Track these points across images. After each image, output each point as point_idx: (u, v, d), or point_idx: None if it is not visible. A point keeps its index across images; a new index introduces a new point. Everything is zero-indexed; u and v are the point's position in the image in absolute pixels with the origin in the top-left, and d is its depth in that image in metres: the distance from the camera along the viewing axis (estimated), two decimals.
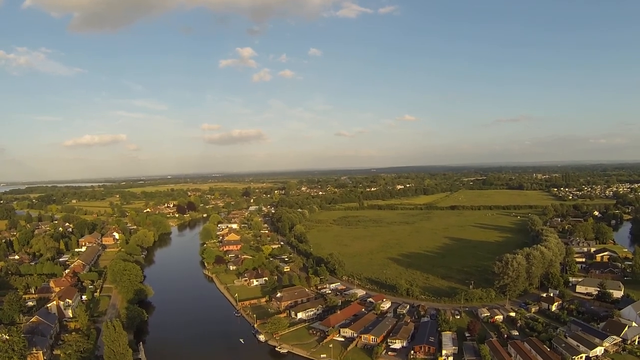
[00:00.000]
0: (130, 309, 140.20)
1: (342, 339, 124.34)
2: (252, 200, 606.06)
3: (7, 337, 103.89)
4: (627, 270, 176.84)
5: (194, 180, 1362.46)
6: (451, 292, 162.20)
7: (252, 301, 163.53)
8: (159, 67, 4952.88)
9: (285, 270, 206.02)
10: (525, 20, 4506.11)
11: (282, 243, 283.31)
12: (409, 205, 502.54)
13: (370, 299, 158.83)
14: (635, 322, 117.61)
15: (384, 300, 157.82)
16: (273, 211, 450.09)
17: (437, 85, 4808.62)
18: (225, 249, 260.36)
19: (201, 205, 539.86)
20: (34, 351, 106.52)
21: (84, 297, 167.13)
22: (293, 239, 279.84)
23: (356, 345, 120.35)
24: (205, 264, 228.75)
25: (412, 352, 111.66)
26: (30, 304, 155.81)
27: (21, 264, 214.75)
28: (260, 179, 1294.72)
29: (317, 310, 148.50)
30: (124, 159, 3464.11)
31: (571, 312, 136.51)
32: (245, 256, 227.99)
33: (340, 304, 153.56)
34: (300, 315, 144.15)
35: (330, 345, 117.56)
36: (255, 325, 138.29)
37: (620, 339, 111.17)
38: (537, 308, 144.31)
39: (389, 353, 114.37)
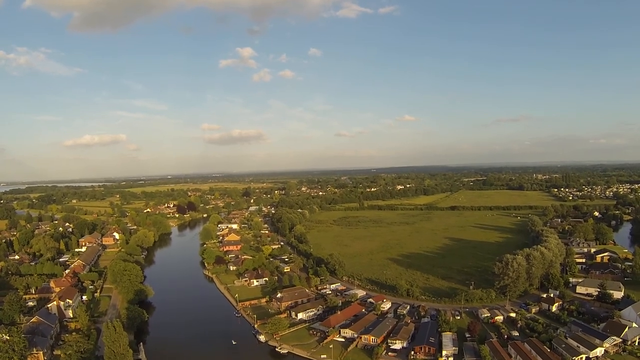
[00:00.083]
0: (130, 309, 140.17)
1: (343, 340, 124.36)
2: (252, 201, 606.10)
3: (8, 338, 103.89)
4: (628, 271, 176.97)
5: (194, 180, 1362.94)
6: (451, 293, 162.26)
7: (253, 301, 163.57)
8: (159, 67, 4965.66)
9: (285, 270, 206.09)
10: (525, 20, 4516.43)
11: (282, 243, 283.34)
12: (409, 206, 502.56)
13: (371, 300, 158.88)
14: (635, 323, 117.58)
15: (384, 300, 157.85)
16: (273, 211, 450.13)
17: (437, 85, 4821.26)
18: (225, 249, 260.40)
19: (201, 205, 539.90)
20: (35, 351, 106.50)
21: (84, 297, 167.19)
22: (293, 240, 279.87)
23: (356, 345, 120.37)
24: (206, 264, 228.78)
25: (412, 352, 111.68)
26: (30, 304, 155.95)
27: (21, 264, 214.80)
28: (261, 179, 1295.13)
29: (318, 310, 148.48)
30: (124, 159, 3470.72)
31: (571, 313, 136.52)
32: (245, 256, 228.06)
33: (340, 304, 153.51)
34: (300, 315, 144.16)
35: (331, 346, 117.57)
36: (256, 326, 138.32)
37: (621, 340, 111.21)
38: (538, 309, 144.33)
39: (389, 354, 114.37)
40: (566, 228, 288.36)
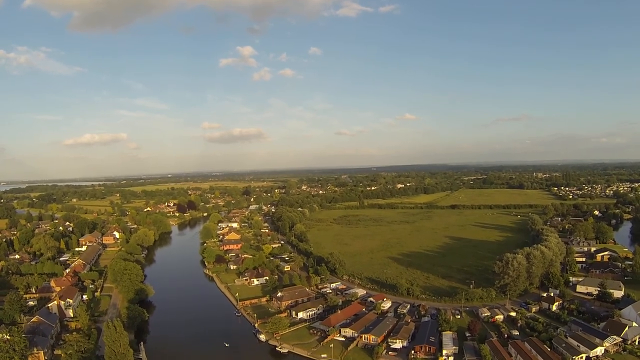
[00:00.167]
0: (131, 308, 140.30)
1: (343, 339, 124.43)
2: (252, 199, 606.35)
3: (8, 337, 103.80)
4: (628, 270, 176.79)
5: (194, 179, 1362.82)
6: (452, 292, 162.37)
7: (253, 301, 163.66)
8: (159, 67, 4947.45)
9: (285, 269, 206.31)
10: (525, 20, 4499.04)
11: (282, 242, 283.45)
12: (410, 204, 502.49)
13: (371, 299, 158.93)
14: (635, 322, 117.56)
15: (385, 299, 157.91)
16: (273, 210, 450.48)
17: (437, 84, 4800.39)
18: (225, 248, 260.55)
19: (201, 204, 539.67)
20: (35, 351, 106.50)
21: (84, 296, 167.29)
22: (293, 238, 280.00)
23: (357, 345, 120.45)
24: (206, 263, 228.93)
25: (412, 352, 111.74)
26: (31, 303, 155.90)
27: (22, 264, 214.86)
28: (261, 178, 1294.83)
29: (318, 309, 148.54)
30: (124, 157, 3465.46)
31: (571, 312, 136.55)
32: (245, 255, 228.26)
33: (340, 303, 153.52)
34: (300, 314, 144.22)
35: (331, 345, 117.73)
36: (256, 325, 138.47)
37: (621, 339, 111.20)
38: (538, 308, 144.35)
39: (390, 353, 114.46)
40: (566, 227, 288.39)
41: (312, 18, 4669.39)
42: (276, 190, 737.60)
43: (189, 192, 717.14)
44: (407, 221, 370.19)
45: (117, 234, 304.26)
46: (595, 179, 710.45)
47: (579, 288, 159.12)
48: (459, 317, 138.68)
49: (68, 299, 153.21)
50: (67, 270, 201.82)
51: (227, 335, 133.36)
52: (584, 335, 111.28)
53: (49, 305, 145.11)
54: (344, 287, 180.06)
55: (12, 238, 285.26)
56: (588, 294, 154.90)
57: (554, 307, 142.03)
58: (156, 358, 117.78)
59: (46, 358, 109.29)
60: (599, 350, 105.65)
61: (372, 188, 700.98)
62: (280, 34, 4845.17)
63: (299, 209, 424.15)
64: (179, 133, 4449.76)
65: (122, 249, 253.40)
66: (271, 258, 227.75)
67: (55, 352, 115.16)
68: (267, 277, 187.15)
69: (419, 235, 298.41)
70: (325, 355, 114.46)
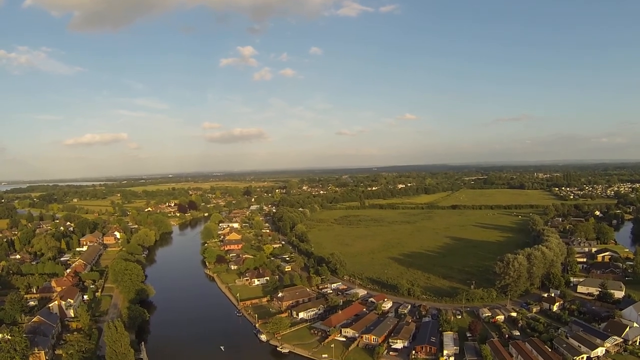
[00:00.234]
0: (131, 308, 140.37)
1: (344, 339, 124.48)
2: (253, 200, 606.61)
3: (9, 337, 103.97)
4: (629, 271, 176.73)
5: (195, 179, 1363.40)
6: (452, 292, 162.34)
7: (254, 301, 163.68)
8: (159, 66, 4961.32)
9: (286, 269, 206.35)
10: (525, 20, 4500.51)
11: (283, 242, 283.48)
12: (410, 205, 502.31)
13: (372, 299, 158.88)
14: (636, 323, 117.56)
15: (386, 300, 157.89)
16: (274, 210, 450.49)
17: (437, 84, 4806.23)
18: (226, 249, 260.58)
19: (202, 204, 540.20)
20: (36, 351, 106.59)
21: (85, 296, 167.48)
22: (294, 239, 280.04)
23: (357, 345, 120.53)
24: (207, 263, 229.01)
25: (413, 352, 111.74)
26: (32, 303, 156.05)
27: (22, 264, 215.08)
28: (262, 178, 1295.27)
29: (319, 310, 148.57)
30: (125, 157, 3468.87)
31: (572, 313, 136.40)
32: (246, 255, 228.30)
33: (341, 303, 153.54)
34: (301, 315, 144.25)
35: (332, 345, 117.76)
36: (257, 325, 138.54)
37: (622, 340, 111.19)
38: (539, 308, 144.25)
39: (391, 353, 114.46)
40: (567, 227, 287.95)
41: (313, 18, 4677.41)
42: (277, 191, 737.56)
43: (190, 192, 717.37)
44: (407, 221, 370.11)
45: (118, 234, 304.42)
46: (596, 179, 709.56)
47: (580, 288, 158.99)
48: (459, 317, 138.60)
49: (69, 299, 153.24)
50: (68, 271, 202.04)
51: (228, 336, 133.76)
52: (584, 336, 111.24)
53: (50, 305, 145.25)
54: (345, 287, 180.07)
55: (13, 238, 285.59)
56: (589, 294, 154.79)
57: (555, 308, 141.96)
58: (157, 358, 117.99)
59: (47, 358, 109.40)
60: (599, 351, 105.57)
61: (373, 188, 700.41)
62: (281, 33, 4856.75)
63: (300, 209, 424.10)
64: (179, 133, 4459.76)
65: (123, 249, 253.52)
66: (272, 258, 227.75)
67: (56, 352, 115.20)
68: (267, 278, 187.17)
69: (419, 236, 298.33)
70: (326, 355, 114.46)
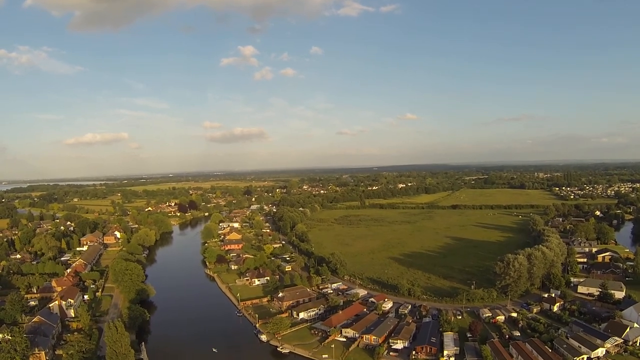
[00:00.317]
0: (132, 308, 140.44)
1: (344, 339, 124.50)
2: (253, 199, 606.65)
3: (10, 337, 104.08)
4: (629, 271, 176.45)
5: (195, 178, 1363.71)
6: (453, 292, 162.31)
7: (254, 301, 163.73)
8: (160, 66, 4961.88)
9: (286, 269, 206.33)
10: (525, 20, 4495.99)
11: (283, 242, 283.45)
12: (411, 204, 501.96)
13: (372, 299, 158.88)
14: (636, 323, 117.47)
15: (386, 300, 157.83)
16: (274, 210, 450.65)
17: (438, 83, 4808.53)
18: (226, 248, 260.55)
19: (203, 204, 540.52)
20: (36, 351, 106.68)
21: (85, 296, 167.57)
22: (294, 238, 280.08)
23: (358, 345, 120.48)
24: (207, 263, 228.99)
25: (413, 352, 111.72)
26: (32, 303, 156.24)
27: (23, 263, 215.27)
28: (262, 178, 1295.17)
29: (319, 310, 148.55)
30: (125, 157, 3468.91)
31: (573, 313, 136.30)
32: (246, 255, 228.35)
33: (342, 304, 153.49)
34: (302, 315, 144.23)
35: (332, 346, 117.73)
36: (257, 325, 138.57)
37: (622, 340, 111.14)
38: (539, 309, 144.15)
39: (391, 353, 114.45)
40: (567, 227, 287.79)
41: (313, 17, 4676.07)
42: (277, 190, 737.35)
43: (190, 192, 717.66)
44: (408, 221, 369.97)
45: (118, 234, 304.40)
46: (596, 179, 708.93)
47: (580, 289, 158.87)
48: (460, 317, 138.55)
49: (69, 299, 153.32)
50: (69, 270, 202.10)
51: (228, 336, 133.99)
52: (585, 336, 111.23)
53: (50, 305, 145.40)
54: (345, 287, 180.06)
55: (13, 238, 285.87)
56: (589, 294, 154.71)
57: (555, 308, 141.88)
58: (157, 358, 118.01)
59: (47, 358, 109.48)
60: (600, 352, 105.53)
61: (374, 188, 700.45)
62: (281, 33, 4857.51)
63: (300, 208, 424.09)
64: (180, 132, 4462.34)
65: (124, 248, 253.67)
66: (272, 258, 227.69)
67: (56, 353, 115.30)
68: (268, 277, 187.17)
69: (420, 236, 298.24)
70: (326, 355, 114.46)
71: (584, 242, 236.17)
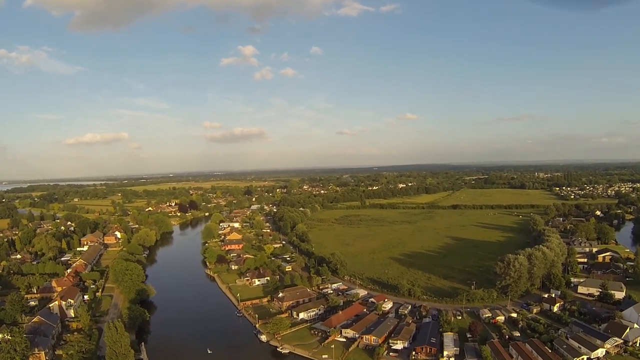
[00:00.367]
0: (132, 309, 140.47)
1: (344, 340, 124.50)
2: (254, 199, 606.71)
3: (10, 338, 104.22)
4: (629, 271, 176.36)
5: (195, 178, 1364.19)
6: (453, 293, 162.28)
7: (254, 301, 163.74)
8: (160, 66, 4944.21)
9: (287, 269, 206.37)
10: (525, 20, 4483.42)
11: (283, 242, 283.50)
12: (411, 204, 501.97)
13: (372, 299, 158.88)
14: (637, 324, 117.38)
15: (386, 300, 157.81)
16: (275, 210, 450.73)
17: (438, 83, 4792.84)
18: (227, 248, 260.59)
19: (203, 204, 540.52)
20: (36, 351, 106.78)
21: (85, 296, 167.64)
22: (295, 238, 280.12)
23: (358, 345, 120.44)
24: (207, 263, 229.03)
25: (413, 352, 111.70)
26: (32, 303, 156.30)
27: (23, 264, 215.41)
28: (262, 178, 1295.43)
29: (319, 310, 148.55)
30: (125, 157, 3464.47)
31: (573, 313, 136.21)
32: (247, 255, 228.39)
33: (342, 304, 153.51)
34: (302, 315, 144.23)
35: (332, 346, 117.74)
36: (257, 326, 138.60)
37: (622, 341, 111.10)
38: (539, 309, 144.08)
39: (391, 354, 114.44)
40: (568, 227, 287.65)
41: (313, 17, 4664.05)
42: (278, 190, 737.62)
43: (191, 192, 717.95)
44: (408, 221, 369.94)
45: (118, 234, 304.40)
46: (596, 179, 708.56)
47: (581, 289, 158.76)
48: (460, 318, 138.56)
49: (69, 299, 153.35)
50: (69, 270, 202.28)
51: (228, 336, 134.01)
52: (585, 337, 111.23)
53: (50, 305, 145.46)
54: (345, 287, 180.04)
55: (13, 238, 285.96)
56: (589, 295, 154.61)
57: (555, 308, 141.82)
58: (157, 358, 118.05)
59: (47, 358, 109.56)
60: (600, 352, 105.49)
61: (374, 188, 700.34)
62: (281, 33, 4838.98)
63: (301, 208, 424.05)
64: (180, 132, 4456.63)
65: (124, 249, 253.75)
66: (272, 258, 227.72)
67: (56, 353, 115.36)
68: (268, 278, 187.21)
69: (420, 236, 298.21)
70: (326, 356, 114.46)
71: (585, 242, 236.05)
